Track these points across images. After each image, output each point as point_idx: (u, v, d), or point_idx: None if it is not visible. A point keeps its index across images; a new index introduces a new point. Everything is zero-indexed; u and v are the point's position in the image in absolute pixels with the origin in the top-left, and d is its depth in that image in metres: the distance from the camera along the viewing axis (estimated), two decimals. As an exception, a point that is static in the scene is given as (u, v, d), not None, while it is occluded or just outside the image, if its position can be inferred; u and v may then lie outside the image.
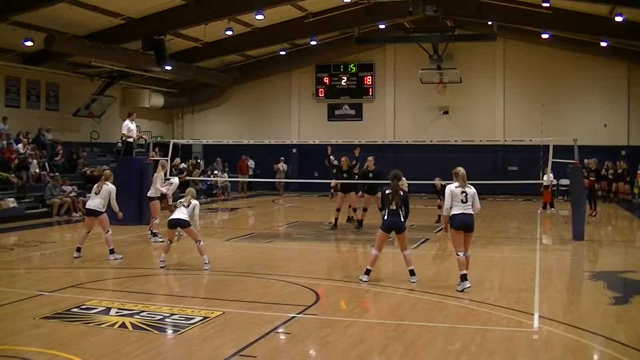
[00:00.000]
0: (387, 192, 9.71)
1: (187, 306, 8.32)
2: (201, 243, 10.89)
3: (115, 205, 11.89)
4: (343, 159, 15.88)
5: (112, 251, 11.67)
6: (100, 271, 10.92)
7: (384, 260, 12.03)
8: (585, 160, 20.65)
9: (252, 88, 31.28)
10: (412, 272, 9.75)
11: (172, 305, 8.27)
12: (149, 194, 14.24)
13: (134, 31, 21.18)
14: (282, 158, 28.89)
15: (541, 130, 24.48)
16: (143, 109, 28.06)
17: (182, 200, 11.11)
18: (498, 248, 13.75)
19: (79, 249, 11.78)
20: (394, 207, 9.57)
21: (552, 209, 21.34)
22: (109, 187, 11.83)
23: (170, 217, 11.02)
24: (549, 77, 27.55)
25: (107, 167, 18.07)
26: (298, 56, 29.08)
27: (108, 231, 11.71)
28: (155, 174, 14.39)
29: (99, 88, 25.64)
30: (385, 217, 9.65)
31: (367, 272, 9.79)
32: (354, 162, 15.93)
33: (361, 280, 9.74)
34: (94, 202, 11.78)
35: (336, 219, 16.23)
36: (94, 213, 11.75)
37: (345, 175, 15.85)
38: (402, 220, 9.62)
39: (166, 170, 14.55)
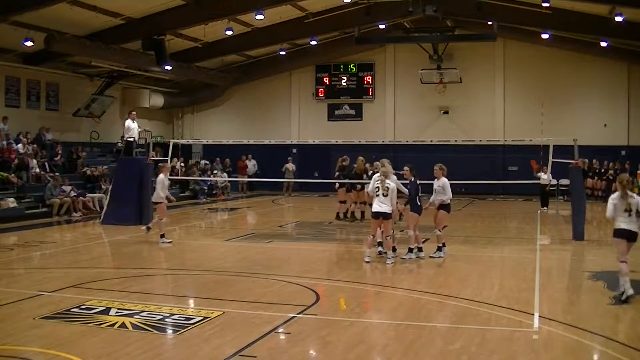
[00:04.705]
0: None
1: (187, 306, 8.33)
2: (390, 238, 10.81)
3: None
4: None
5: None
6: (100, 271, 10.94)
7: (385, 261, 12.02)
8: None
9: (252, 88, 31.25)
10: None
11: (172, 305, 8.26)
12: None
13: (134, 31, 21.15)
14: (290, 158, 28.86)
15: (541, 130, 24.47)
16: (143, 109, 28.00)
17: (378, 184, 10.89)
18: (498, 248, 13.75)
19: None
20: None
21: (544, 208, 21.35)
22: None
23: (373, 210, 11.05)
24: (549, 77, 27.51)
25: None
26: (298, 56, 29.03)
27: None
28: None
29: (99, 88, 25.61)
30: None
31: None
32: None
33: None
34: None
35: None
36: None
37: None
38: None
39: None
